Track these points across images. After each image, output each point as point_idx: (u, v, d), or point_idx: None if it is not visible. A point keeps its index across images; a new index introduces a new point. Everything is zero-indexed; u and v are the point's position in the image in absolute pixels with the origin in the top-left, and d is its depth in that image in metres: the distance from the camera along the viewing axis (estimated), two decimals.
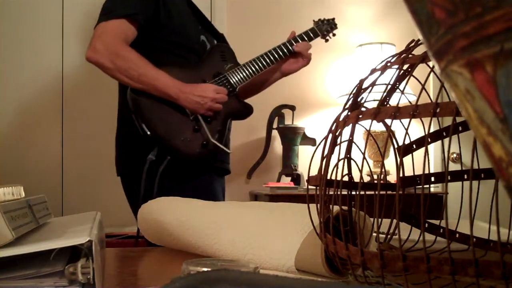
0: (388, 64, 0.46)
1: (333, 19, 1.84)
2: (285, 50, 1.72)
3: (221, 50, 1.69)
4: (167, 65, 1.53)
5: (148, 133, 1.48)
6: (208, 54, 1.66)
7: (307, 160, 2.36)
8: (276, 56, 1.70)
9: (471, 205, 0.34)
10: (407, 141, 0.47)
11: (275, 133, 2.39)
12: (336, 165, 0.46)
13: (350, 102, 0.47)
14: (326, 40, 1.85)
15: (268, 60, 1.68)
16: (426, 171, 0.47)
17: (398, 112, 0.39)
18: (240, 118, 1.69)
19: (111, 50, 1.45)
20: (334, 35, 1.85)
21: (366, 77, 0.47)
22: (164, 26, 1.56)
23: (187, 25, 1.64)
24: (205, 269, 0.41)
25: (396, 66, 0.46)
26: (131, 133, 1.53)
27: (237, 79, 1.64)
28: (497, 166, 0.18)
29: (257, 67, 1.66)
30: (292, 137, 2.31)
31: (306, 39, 1.75)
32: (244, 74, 1.65)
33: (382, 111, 0.40)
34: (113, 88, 1.65)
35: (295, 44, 1.72)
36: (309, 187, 0.49)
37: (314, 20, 1.83)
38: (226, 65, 1.65)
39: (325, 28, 1.81)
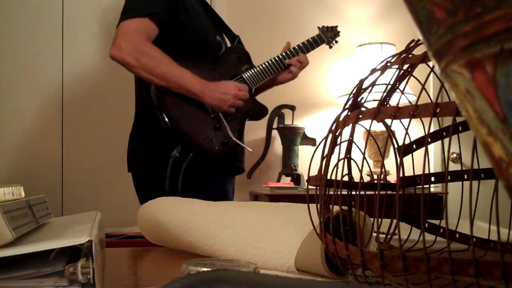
0: (388, 64, 0.46)
1: (337, 26, 1.92)
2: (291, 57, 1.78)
3: (238, 52, 1.73)
4: (187, 64, 1.54)
5: (173, 129, 1.50)
6: (225, 55, 1.69)
7: (307, 160, 2.36)
8: (284, 61, 1.75)
9: (471, 205, 0.34)
10: (407, 141, 0.47)
11: (275, 133, 2.39)
12: (336, 165, 0.46)
13: (350, 102, 0.47)
14: (330, 47, 1.93)
15: (280, 63, 1.74)
16: (426, 171, 0.47)
17: (398, 112, 0.39)
18: (256, 118, 1.75)
19: (136, 48, 1.46)
20: (336, 42, 1.93)
21: (366, 77, 0.47)
22: (183, 26, 1.57)
23: (204, 26, 1.66)
24: (205, 269, 0.41)
25: (396, 66, 0.46)
26: (153, 129, 1.54)
27: (253, 80, 1.68)
28: (497, 166, 0.18)
29: (270, 69, 1.72)
30: (292, 137, 2.31)
31: (314, 45, 1.82)
32: (260, 76, 1.70)
33: (382, 111, 0.40)
34: (113, 89, 1.64)
35: (305, 51, 1.78)
36: (309, 187, 0.49)
37: (319, 27, 1.89)
38: (242, 66, 1.69)
39: (329, 35, 1.88)
